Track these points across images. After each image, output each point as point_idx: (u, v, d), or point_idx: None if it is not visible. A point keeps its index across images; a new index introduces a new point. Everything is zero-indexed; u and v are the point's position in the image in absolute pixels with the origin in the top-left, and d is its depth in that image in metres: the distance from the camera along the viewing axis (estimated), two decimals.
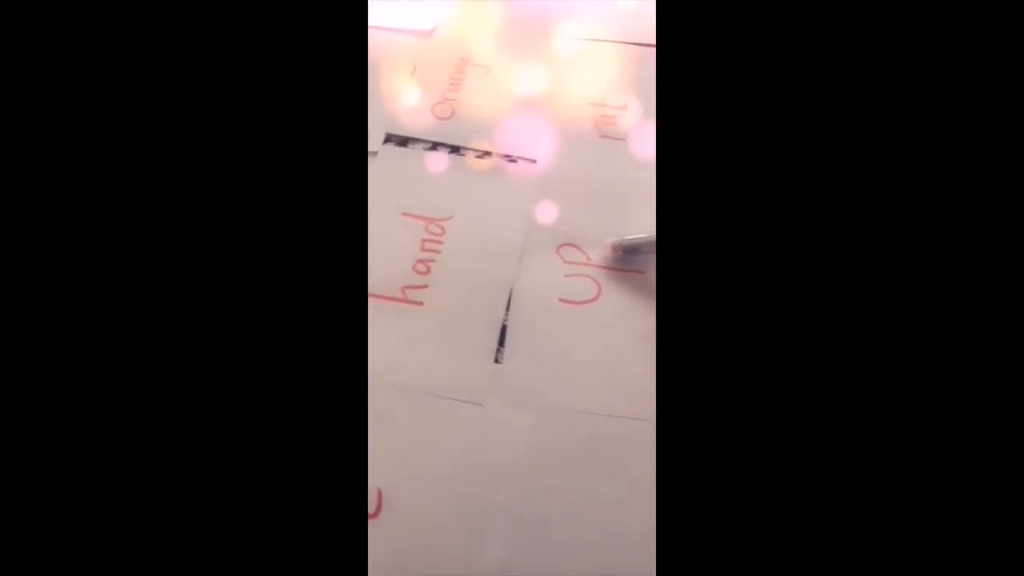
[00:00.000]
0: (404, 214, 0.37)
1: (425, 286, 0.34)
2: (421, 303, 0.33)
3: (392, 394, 0.30)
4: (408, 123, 0.43)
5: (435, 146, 0.42)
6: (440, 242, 0.36)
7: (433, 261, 0.35)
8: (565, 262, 0.36)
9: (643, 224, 0.35)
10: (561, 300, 0.34)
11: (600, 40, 0.51)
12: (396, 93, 0.45)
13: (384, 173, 0.40)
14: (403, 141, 0.42)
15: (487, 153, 0.41)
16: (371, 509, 0.26)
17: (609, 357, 0.32)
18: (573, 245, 0.37)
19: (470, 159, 0.41)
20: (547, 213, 0.38)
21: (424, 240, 0.36)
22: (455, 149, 0.42)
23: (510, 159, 0.41)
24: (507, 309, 0.33)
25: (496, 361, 0.31)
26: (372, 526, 0.26)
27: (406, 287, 0.34)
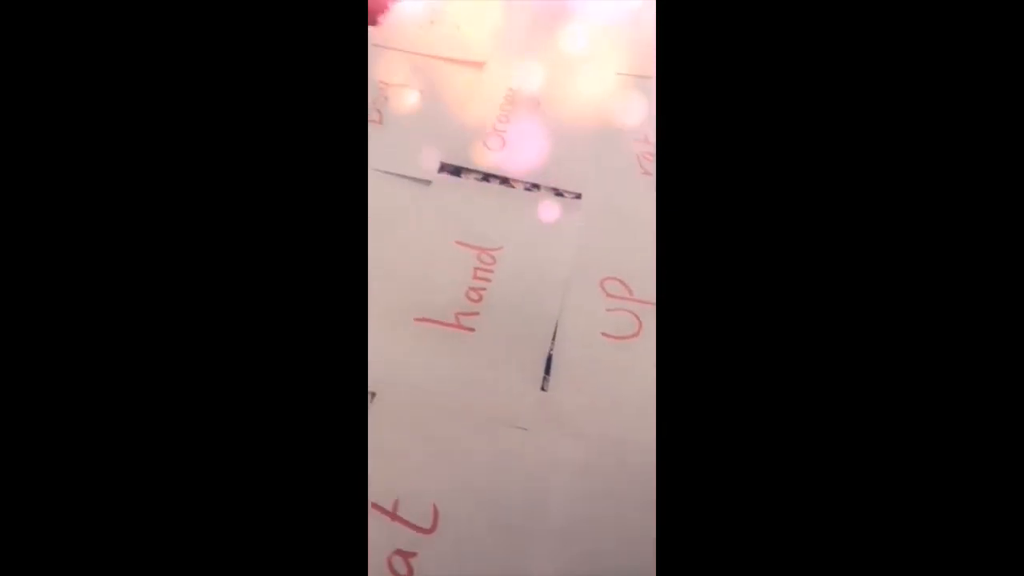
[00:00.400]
0: (457, 242, 0.40)
1: (477, 313, 0.36)
2: (473, 329, 0.36)
3: (443, 415, 0.32)
4: (461, 153, 0.45)
5: (486, 177, 0.44)
6: (491, 271, 0.38)
7: (484, 289, 0.38)
8: (608, 296, 0.38)
9: None
10: (604, 335, 0.36)
11: (646, 77, 0.53)
12: (450, 123, 0.47)
13: (439, 201, 0.42)
14: (456, 171, 0.44)
15: (535, 186, 0.44)
16: (427, 524, 0.29)
17: (650, 391, 0.34)
18: (616, 279, 0.39)
19: (519, 191, 0.43)
20: (591, 247, 0.40)
21: (476, 269, 0.38)
22: (504, 180, 0.44)
23: (557, 192, 0.43)
24: (553, 339, 0.35)
25: (543, 389, 0.34)
26: (427, 540, 0.28)
27: (459, 313, 0.36)
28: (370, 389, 0.33)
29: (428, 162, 0.44)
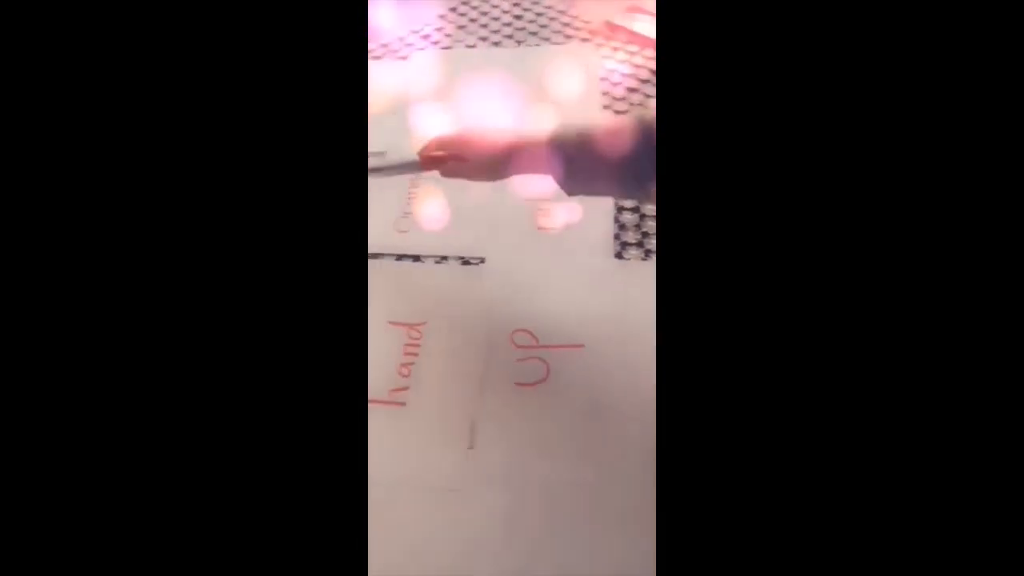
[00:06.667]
0: (390, 323, 0.45)
1: (406, 388, 0.42)
2: (403, 404, 0.41)
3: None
4: (374, 238, 0.50)
5: (400, 257, 0.50)
6: (418, 344, 0.44)
7: (412, 364, 0.43)
8: (517, 347, 0.43)
9: None
10: (517, 384, 0.41)
11: None
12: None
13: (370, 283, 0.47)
14: (375, 255, 0.50)
15: (444, 258, 0.49)
16: None
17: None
18: (525, 331, 0.44)
19: (429, 265, 0.49)
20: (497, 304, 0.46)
21: (406, 345, 0.44)
22: (416, 258, 0.49)
23: (464, 261, 0.49)
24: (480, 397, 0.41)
25: (470, 447, 0.39)
26: None
27: (392, 389, 0.42)
28: None
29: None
